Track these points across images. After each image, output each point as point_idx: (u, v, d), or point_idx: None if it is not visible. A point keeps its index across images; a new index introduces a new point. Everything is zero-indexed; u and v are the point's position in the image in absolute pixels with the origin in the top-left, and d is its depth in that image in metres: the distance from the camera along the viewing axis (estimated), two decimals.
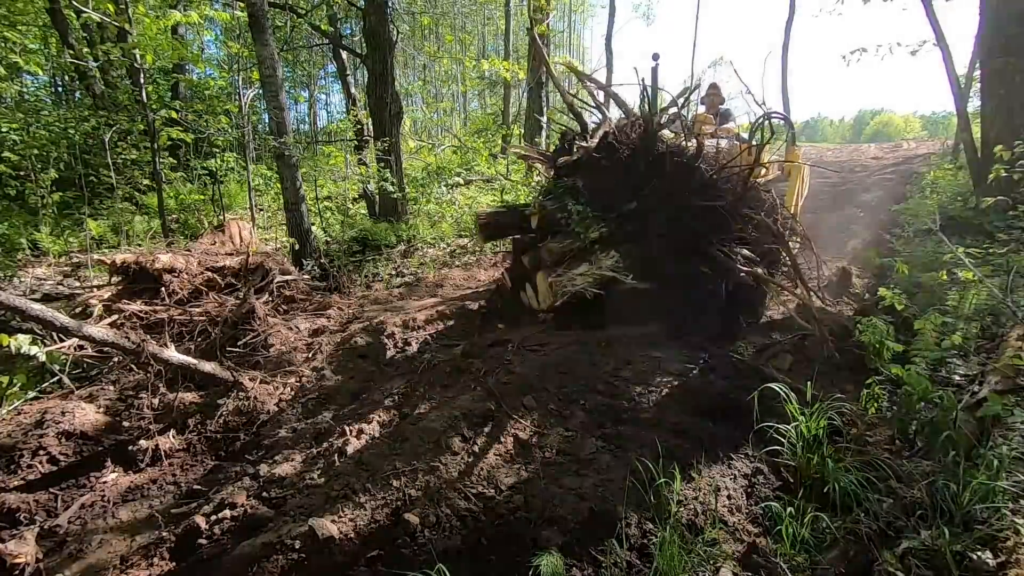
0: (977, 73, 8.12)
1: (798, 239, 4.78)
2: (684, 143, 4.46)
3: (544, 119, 12.00)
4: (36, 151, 7.80)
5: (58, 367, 3.93)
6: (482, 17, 20.60)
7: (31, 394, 3.74)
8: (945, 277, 4.17)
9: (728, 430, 2.82)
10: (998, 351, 3.38)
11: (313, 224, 7.49)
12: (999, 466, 2.27)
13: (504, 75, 10.98)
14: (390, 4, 7.80)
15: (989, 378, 3.06)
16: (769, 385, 2.89)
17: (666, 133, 4.64)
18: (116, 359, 4.18)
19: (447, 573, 1.95)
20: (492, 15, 19.79)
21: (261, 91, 6.87)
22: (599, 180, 4.44)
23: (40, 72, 8.91)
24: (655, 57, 4.49)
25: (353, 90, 11.71)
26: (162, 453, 3.28)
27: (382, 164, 8.50)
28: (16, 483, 2.99)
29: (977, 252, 4.22)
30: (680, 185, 4.20)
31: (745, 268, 4.02)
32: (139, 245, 7.25)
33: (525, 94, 13.69)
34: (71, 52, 9.02)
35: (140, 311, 4.70)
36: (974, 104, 8.47)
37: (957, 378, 3.37)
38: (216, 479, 3.05)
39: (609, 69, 16.45)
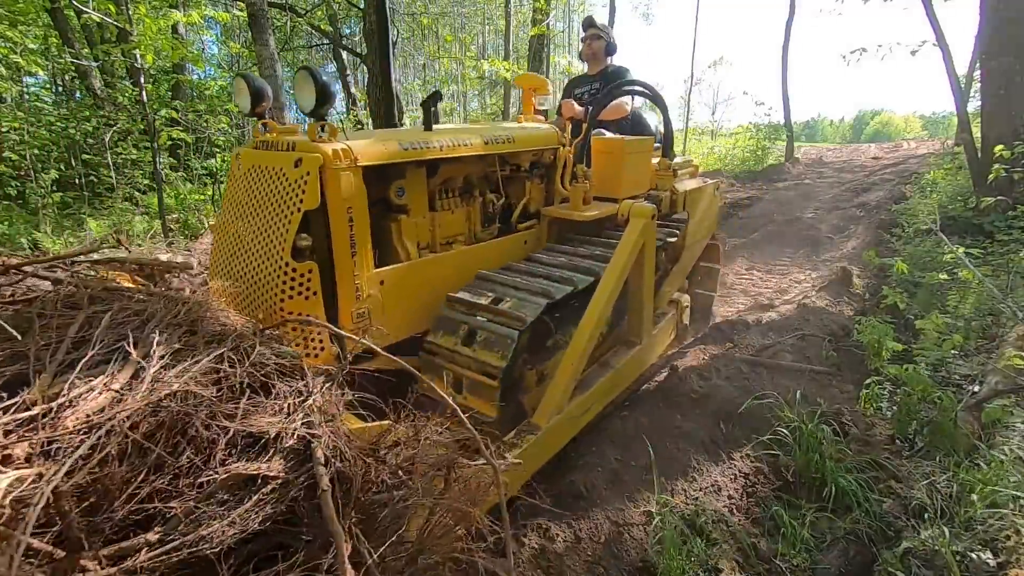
0: (977, 73, 8.13)
1: None
2: None
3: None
4: (36, 151, 7.81)
5: None
6: (482, 17, 20.62)
7: None
8: (945, 277, 4.18)
9: (729, 430, 2.82)
10: (998, 351, 3.39)
11: None
12: (1000, 466, 2.27)
13: (504, 75, 10.97)
14: (390, 4, 7.81)
15: (989, 378, 3.07)
16: (769, 386, 2.90)
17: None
18: None
19: None
20: (492, 15, 19.79)
21: None
22: None
23: (41, 72, 8.91)
24: None
25: (353, 90, 11.71)
26: None
27: None
28: None
29: (977, 252, 4.23)
30: None
31: None
32: (139, 245, 7.24)
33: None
34: (71, 52, 9.02)
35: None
36: (974, 104, 8.48)
37: (957, 378, 3.37)
38: None
39: None
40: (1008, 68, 5.84)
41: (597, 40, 3.97)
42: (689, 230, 3.41)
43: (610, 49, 4.03)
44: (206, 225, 8.22)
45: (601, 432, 2.76)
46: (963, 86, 8.29)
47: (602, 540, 2.13)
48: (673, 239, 3.30)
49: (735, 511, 2.38)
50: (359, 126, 10.41)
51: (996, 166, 4.77)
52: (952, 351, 3.47)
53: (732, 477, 2.55)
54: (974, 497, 2.17)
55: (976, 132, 6.63)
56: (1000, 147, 4.89)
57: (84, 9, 6.71)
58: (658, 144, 3.75)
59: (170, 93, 10.72)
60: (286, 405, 1.35)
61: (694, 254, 3.80)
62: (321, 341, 2.03)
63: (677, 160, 3.85)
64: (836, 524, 2.27)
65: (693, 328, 4.06)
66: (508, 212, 3.03)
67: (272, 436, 1.25)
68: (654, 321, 3.16)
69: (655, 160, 3.46)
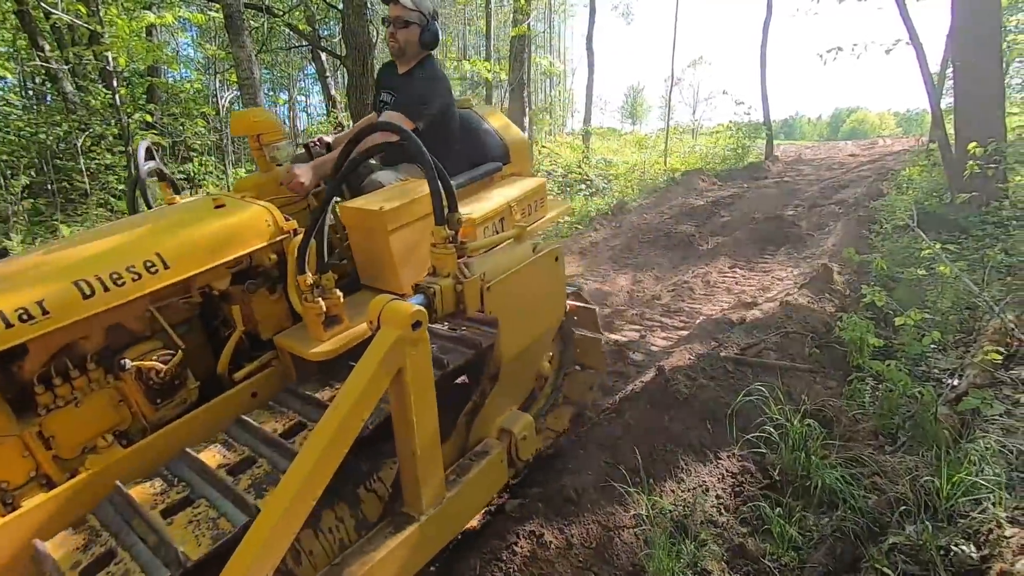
0: (950, 71, 8.31)
1: None
2: None
3: (526, 119, 12.00)
4: (6, 157, 7.60)
5: None
6: (463, 18, 20.57)
7: None
8: (923, 273, 4.24)
9: (716, 430, 2.83)
10: (975, 345, 3.45)
11: None
12: (980, 459, 2.30)
13: (486, 76, 10.94)
14: (369, 5, 7.73)
15: (968, 372, 3.12)
16: (754, 384, 2.91)
17: None
18: None
19: None
20: (472, 16, 19.75)
21: (239, 93, 6.76)
22: None
23: (9, 75, 8.68)
24: None
25: (333, 92, 11.58)
26: None
27: None
28: None
29: (953, 247, 4.30)
30: None
31: None
32: None
33: (507, 94, 13.69)
34: (41, 55, 8.80)
35: None
36: (947, 101, 8.66)
37: (937, 372, 3.42)
38: None
39: (590, 69, 16.48)
40: (980, 66, 5.97)
41: (404, 27, 2.51)
42: (503, 339, 1.92)
43: (426, 39, 2.57)
44: None
45: (589, 436, 2.75)
46: (936, 83, 8.45)
47: (593, 545, 2.12)
48: (467, 359, 1.93)
49: (723, 511, 2.39)
50: (339, 128, 10.31)
51: (970, 163, 4.87)
52: (931, 346, 3.52)
53: (719, 477, 2.56)
54: (955, 490, 2.20)
55: (950, 129, 6.77)
56: (974, 144, 4.99)
57: (53, 11, 6.54)
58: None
59: (145, 96, 10.51)
60: None
61: (531, 362, 2.29)
62: None
63: (515, 194, 2.66)
64: (823, 521, 2.29)
65: (556, 425, 2.80)
66: (215, 360, 1.90)
67: None
68: (460, 470, 1.95)
69: (486, 203, 2.40)
